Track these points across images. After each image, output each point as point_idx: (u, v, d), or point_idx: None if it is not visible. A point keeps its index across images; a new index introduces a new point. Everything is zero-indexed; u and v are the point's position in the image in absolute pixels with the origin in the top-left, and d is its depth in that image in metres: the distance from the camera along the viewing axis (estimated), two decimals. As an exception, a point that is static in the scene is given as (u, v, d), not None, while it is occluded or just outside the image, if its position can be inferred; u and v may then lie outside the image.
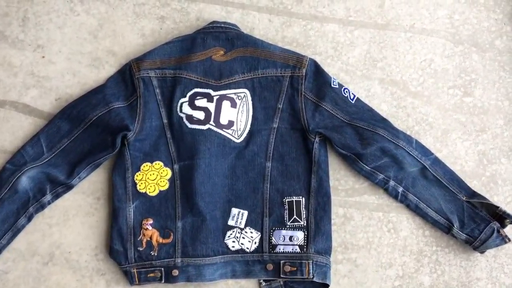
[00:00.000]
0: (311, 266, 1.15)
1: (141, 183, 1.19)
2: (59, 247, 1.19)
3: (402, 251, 1.21)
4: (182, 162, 1.19)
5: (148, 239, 1.16)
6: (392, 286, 1.20)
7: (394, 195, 1.21)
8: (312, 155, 1.19)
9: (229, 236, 1.17)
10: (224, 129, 1.21)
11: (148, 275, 1.15)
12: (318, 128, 1.19)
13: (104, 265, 1.19)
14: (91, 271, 1.19)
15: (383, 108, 1.27)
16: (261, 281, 1.19)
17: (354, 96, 1.23)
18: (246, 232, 1.17)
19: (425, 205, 1.19)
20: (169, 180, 1.19)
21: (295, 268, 1.15)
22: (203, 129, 1.20)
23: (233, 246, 1.17)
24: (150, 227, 1.17)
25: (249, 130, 1.21)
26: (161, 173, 1.20)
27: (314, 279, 1.14)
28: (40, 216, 1.20)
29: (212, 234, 1.16)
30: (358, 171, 1.21)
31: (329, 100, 1.20)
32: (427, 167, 1.19)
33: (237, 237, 1.17)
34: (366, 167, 1.19)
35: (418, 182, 1.19)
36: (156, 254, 1.16)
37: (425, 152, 1.21)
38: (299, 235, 1.17)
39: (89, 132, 1.20)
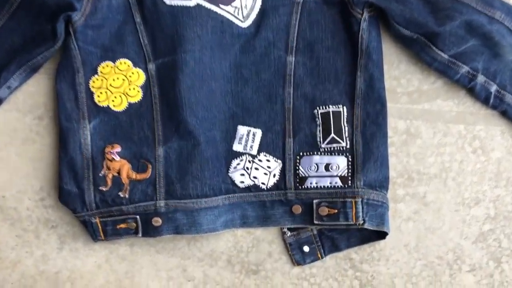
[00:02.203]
0: (359, 207, 0.84)
1: (100, 93, 0.86)
2: (-13, 190, 0.90)
3: (494, 180, 0.89)
4: (161, 59, 0.87)
5: (115, 174, 0.85)
6: (480, 232, 0.88)
7: (483, 98, 0.88)
8: (357, 41, 0.86)
9: (235, 167, 0.87)
10: (221, 5, 0.86)
11: (118, 227, 0.86)
12: (366, -2, 0.86)
13: (55, 214, 0.90)
14: (36, 223, 0.89)
15: (465, -35, 0.89)
16: (285, 230, 0.89)
17: None
18: (260, 160, 0.87)
19: (531, 111, 0.86)
20: (142, 87, 0.87)
21: (336, 211, 0.84)
22: (189, 6, 0.85)
23: (242, 182, 0.87)
24: (117, 157, 0.85)
25: (260, 8, 0.88)
26: (130, 76, 0.87)
27: (365, 226, 0.84)
28: (-44, 146, 0.89)
29: (209, 164, 0.86)
30: (429, 62, 0.87)
31: (382, -47, 0.85)
32: (538, 51, 0.85)
33: (247, 168, 0.86)
34: (443, 55, 0.84)
35: (521, 76, 0.86)
36: (127, 196, 0.86)
37: (535, 28, 0.86)
38: (340, 162, 0.85)
39: (17, 18, 0.86)
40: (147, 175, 0.86)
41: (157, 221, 0.85)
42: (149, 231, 0.86)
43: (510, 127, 0.88)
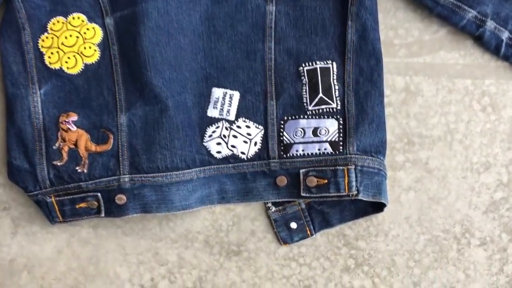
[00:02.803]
0: (353, 175, 0.74)
1: (52, 53, 0.76)
2: None
3: (506, 142, 0.80)
4: (119, 12, 0.77)
5: (72, 146, 0.76)
6: (491, 201, 0.79)
7: (493, 47, 0.79)
8: (347, -14, 0.77)
9: (210, 136, 0.77)
10: None
11: (77, 206, 0.76)
12: None
13: (7, 195, 0.80)
14: (-15, 205, 0.80)
15: None
16: (269, 205, 0.80)
17: None
18: (239, 126, 0.77)
19: (549, 60, 0.76)
20: (99, 45, 0.77)
21: (325, 181, 0.75)
22: None
23: (218, 152, 0.77)
24: (73, 127, 0.76)
25: None
26: (85, 33, 0.77)
27: (360, 197, 0.74)
28: None
29: (180, 132, 0.76)
30: (430, 8, 0.77)
31: None
32: (557, -10, 0.74)
33: (224, 136, 0.77)
34: (446, -3, 0.75)
35: (537, 20, 0.76)
36: (86, 171, 0.76)
37: (552, -37, 0.75)
38: (330, 126, 0.76)
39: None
40: (108, 146, 0.76)
41: (121, 199, 0.75)
42: (113, 210, 0.76)
43: (524, 78, 0.79)
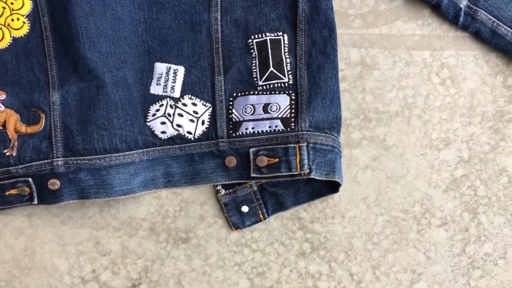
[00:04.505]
0: (304, 153, 0.71)
1: None
2: None
3: (467, 116, 0.76)
4: None
5: (0, 128, 0.70)
6: (452, 179, 0.76)
7: (451, 16, 0.75)
8: (297, -51, 0.73)
9: (154, 115, 0.73)
10: None
11: (7, 193, 0.71)
12: None
13: None
14: None
15: None
16: (219, 187, 0.76)
17: None
18: (185, 104, 0.73)
19: (509, 28, 0.73)
20: (28, 16, 0.72)
21: (276, 160, 0.71)
22: None
23: (163, 132, 0.73)
24: (1, 107, 0.71)
25: None
26: (12, 4, 0.71)
27: (312, 175, 0.71)
28: None
29: (119, 111, 0.72)
30: None
31: None
32: (516, -46, 0.71)
33: (169, 114, 0.73)
34: (401, -38, 0.70)
35: (496, -13, 0.73)
36: (15, 154, 0.71)
37: None
38: (281, 101, 0.72)
39: None
40: (39, 127, 0.71)
41: (54, 184, 0.70)
42: (46, 197, 0.71)
43: (484, 51, 0.76)
